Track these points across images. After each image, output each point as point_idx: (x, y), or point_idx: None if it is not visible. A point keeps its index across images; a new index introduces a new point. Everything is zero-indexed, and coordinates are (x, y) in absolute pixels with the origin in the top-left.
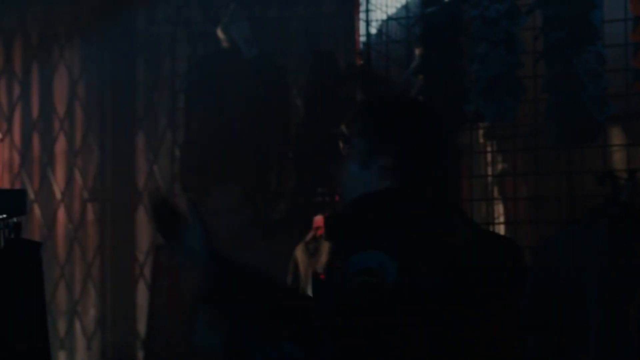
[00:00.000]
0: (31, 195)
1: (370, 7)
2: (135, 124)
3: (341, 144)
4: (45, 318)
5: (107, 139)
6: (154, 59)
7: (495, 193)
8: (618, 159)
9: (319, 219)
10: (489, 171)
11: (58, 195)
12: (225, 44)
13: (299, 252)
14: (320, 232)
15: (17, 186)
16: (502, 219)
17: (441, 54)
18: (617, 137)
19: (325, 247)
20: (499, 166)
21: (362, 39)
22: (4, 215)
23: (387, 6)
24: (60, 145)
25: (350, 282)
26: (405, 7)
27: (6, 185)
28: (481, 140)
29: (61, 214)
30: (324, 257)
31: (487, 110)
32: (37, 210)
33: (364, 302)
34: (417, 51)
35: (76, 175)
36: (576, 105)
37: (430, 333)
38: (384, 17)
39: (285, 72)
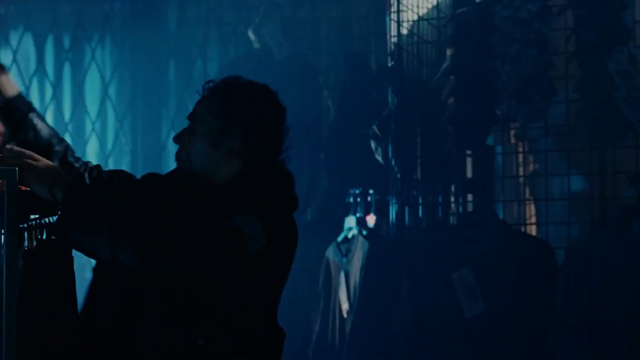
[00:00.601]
0: None
1: (402, 7)
2: (166, 125)
3: (191, 122)
4: (76, 319)
5: (138, 140)
6: (186, 60)
7: (527, 194)
8: None
9: (350, 220)
10: (521, 172)
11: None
12: (256, 45)
13: (331, 253)
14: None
15: None
16: (533, 220)
17: (472, 54)
18: None
19: (357, 248)
20: (531, 167)
21: (394, 39)
22: (36, 216)
23: (418, 7)
24: (92, 146)
25: (219, 231)
26: (437, 7)
27: None
28: (512, 141)
29: None
30: (356, 259)
31: (519, 111)
32: None
33: (216, 255)
34: (449, 52)
35: None
36: (608, 105)
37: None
38: (415, 17)
39: (316, 73)
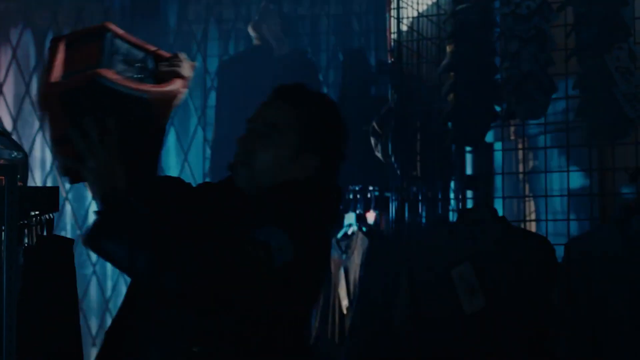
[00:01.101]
0: (63, 192)
1: (401, 4)
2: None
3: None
4: (77, 316)
5: None
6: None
7: (527, 190)
8: None
9: (350, 216)
10: (520, 168)
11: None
12: (256, 42)
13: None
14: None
15: (50, 183)
16: (533, 216)
17: (472, 51)
18: None
19: (356, 244)
20: (530, 163)
21: (393, 36)
22: (37, 212)
23: (418, 3)
24: None
25: (244, 243)
26: (437, 4)
27: (38, 182)
28: (512, 137)
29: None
30: (356, 255)
31: (519, 108)
32: (69, 207)
33: (239, 267)
34: (448, 48)
35: None
36: (608, 102)
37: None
38: (415, 14)
39: (316, 69)
